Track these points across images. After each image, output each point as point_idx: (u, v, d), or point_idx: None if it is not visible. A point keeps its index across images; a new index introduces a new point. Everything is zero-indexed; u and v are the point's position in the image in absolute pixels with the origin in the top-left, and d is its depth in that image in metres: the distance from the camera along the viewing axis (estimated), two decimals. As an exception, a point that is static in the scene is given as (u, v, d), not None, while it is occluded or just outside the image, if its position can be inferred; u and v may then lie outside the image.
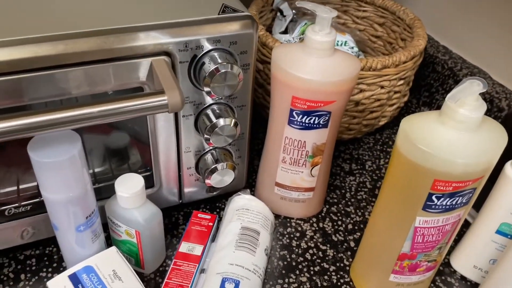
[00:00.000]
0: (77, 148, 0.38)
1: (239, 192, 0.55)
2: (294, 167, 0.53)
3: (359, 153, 0.70)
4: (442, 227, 0.41)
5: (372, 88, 0.62)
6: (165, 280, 0.46)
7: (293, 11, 0.74)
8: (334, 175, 0.66)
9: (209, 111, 0.47)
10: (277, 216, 0.59)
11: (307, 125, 0.49)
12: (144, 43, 0.40)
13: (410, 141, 0.38)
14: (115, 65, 0.40)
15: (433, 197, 0.38)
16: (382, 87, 0.62)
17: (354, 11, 0.79)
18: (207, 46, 0.43)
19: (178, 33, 0.41)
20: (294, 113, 0.48)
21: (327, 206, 0.61)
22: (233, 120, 0.47)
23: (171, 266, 0.47)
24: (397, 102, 0.68)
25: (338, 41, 0.68)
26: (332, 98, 0.47)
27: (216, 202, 0.60)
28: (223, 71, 0.42)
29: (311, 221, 0.59)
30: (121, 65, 0.40)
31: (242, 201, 0.53)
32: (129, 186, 0.44)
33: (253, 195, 0.60)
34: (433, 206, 0.39)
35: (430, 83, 0.78)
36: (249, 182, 0.63)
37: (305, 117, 0.48)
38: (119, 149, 0.52)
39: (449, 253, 0.55)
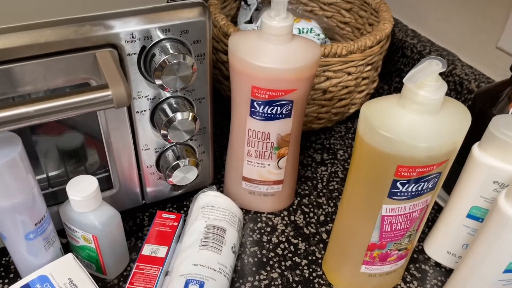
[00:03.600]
0: (17, 151, 0.36)
1: (204, 189, 0.53)
2: (260, 160, 0.51)
3: (330, 142, 0.69)
4: (409, 214, 0.40)
5: (339, 75, 0.60)
6: (127, 285, 0.44)
7: (257, 0, 0.71)
8: (305, 166, 0.64)
9: (165, 106, 0.45)
10: (247, 212, 0.57)
11: (269, 115, 0.47)
12: (85, 35, 0.37)
13: (371, 127, 0.36)
14: (55, 60, 0.37)
15: (398, 184, 0.37)
16: (349, 73, 0.61)
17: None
18: (157, 36, 0.41)
19: (123, 23, 0.39)
20: (255, 103, 0.46)
21: (298, 199, 0.59)
22: (191, 114, 0.45)
23: (133, 270, 0.45)
24: (366, 89, 0.67)
25: (303, 28, 0.67)
26: (293, 86, 0.45)
27: (183, 201, 0.57)
28: (174, 62, 0.40)
29: (282, 215, 0.57)
30: (61, 60, 0.37)
31: (207, 198, 0.51)
32: (81, 189, 0.42)
33: (222, 191, 0.58)
34: (398, 193, 0.38)
35: (400, 68, 0.77)
36: (218, 178, 0.61)
37: (267, 107, 0.46)
38: (74, 151, 0.49)
39: (423, 239, 0.54)
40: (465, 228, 0.47)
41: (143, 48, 0.41)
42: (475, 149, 0.43)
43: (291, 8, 0.76)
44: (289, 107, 0.47)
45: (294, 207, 0.58)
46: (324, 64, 0.58)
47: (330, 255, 0.49)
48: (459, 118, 0.37)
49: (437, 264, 0.52)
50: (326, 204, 0.59)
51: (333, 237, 0.48)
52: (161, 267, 0.45)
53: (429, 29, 0.74)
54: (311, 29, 0.67)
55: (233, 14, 0.74)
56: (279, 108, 0.46)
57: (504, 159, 0.41)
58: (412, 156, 0.35)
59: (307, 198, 0.59)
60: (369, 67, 0.62)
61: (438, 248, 0.51)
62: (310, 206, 0.58)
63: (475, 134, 0.44)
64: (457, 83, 0.67)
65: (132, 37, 0.40)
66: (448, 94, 0.68)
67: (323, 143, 0.68)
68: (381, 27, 0.62)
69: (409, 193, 0.38)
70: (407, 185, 0.37)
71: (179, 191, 0.54)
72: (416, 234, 0.44)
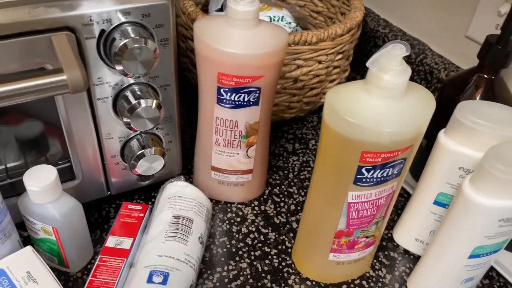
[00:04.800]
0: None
1: (172, 179, 0.52)
2: (229, 149, 0.50)
3: (302, 132, 0.68)
4: (376, 201, 0.39)
5: (310, 63, 0.59)
6: (89, 278, 0.42)
7: (228, -13, 0.70)
8: (277, 156, 0.63)
9: (128, 93, 0.43)
10: (216, 202, 0.56)
11: (237, 103, 0.46)
12: (39, 17, 0.36)
13: (336, 113, 0.35)
14: (7, 43, 0.35)
15: (363, 170, 0.37)
16: (319, 62, 0.60)
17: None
18: (117, 20, 0.39)
19: (80, 5, 0.37)
20: (222, 90, 0.45)
21: (269, 188, 0.59)
22: (155, 101, 0.43)
23: (96, 262, 0.44)
24: (338, 78, 0.66)
25: (274, 17, 0.66)
26: (260, 72, 0.44)
27: (151, 192, 0.56)
28: (135, 46, 0.39)
29: (252, 205, 0.56)
30: (14, 44, 0.35)
31: (174, 188, 0.50)
32: (39, 179, 0.40)
33: (192, 182, 0.57)
34: (364, 180, 0.37)
35: (373, 58, 0.76)
36: (188, 169, 0.59)
37: (234, 94, 0.45)
38: (34, 140, 0.47)
39: (392, 227, 0.54)
40: (432, 215, 0.47)
41: (102, 31, 0.39)
42: (441, 135, 0.43)
43: (264, -3, 0.75)
44: (257, 94, 0.46)
45: (265, 197, 0.57)
46: (294, 52, 0.57)
47: (299, 244, 0.49)
48: (424, 103, 0.36)
49: (406, 252, 0.52)
50: (297, 193, 0.58)
51: (302, 226, 0.48)
52: (125, 259, 0.44)
53: (401, 18, 0.74)
54: (282, 17, 0.66)
55: (203, 2, 0.73)
56: (246, 95, 0.45)
57: (469, 144, 0.41)
58: (376, 141, 0.35)
59: (278, 188, 0.59)
60: (340, 56, 0.62)
61: (406, 235, 0.51)
62: (281, 195, 0.58)
63: (444, 122, 0.44)
64: (427, 72, 0.67)
65: (90, 20, 0.38)
66: (418, 83, 0.69)
67: (295, 133, 0.68)
68: (351, 16, 0.61)
69: (375, 180, 0.37)
70: (372, 171, 0.37)
71: (146, 182, 0.53)
72: (383, 221, 0.43)
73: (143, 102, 0.43)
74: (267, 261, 0.50)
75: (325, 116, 0.37)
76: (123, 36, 0.39)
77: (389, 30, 0.74)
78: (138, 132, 0.48)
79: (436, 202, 0.46)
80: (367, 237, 0.43)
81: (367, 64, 0.34)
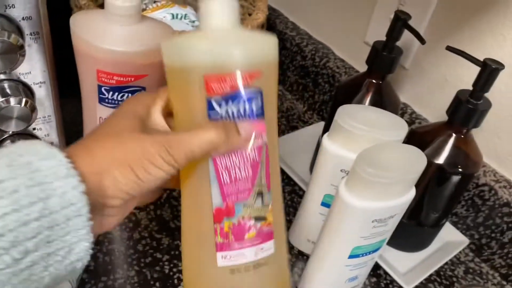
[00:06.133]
0: None
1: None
2: (117, 151, 0.48)
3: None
4: (245, 155, 0.32)
5: (210, 63, 0.58)
6: None
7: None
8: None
9: (-7, 90, 0.40)
10: (109, 207, 0.53)
11: (121, 102, 0.44)
12: None
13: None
14: None
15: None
16: (220, 62, 0.59)
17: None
18: (-26, 9, 0.35)
19: None
20: (103, 89, 0.43)
21: (168, 191, 0.57)
22: (25, 99, 0.40)
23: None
24: (242, 79, 0.66)
25: (177, 14, 0.64)
26: (143, 71, 0.42)
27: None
28: (-6, 39, 0.35)
29: (148, 209, 0.54)
30: None
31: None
32: None
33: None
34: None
35: (282, 60, 0.77)
36: (81, 171, 0.56)
37: (116, 93, 0.43)
38: None
39: (289, 228, 0.54)
40: (321, 216, 0.48)
41: (-45, 22, 0.35)
42: (325, 138, 0.43)
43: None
44: (142, 94, 0.44)
45: (163, 200, 0.56)
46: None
47: (185, 247, 0.36)
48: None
49: (300, 253, 0.53)
50: (196, 196, 0.57)
51: (183, 221, 0.36)
52: None
53: (308, 22, 0.75)
54: (186, 15, 0.64)
55: (104, -4, 0.69)
56: (130, 95, 0.43)
57: (348, 147, 0.42)
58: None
59: (178, 191, 0.57)
60: (242, 57, 0.61)
61: (299, 236, 0.52)
62: (180, 198, 0.56)
63: (326, 127, 0.45)
64: (330, 76, 0.69)
65: None
66: (322, 85, 0.70)
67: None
68: (253, 17, 0.61)
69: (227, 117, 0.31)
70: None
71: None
72: (270, 197, 0.34)
73: (11, 101, 0.39)
74: (157, 268, 0.48)
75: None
76: (-19, 27, 0.35)
77: (297, 33, 0.75)
78: (11, 133, 0.44)
79: (323, 203, 0.47)
80: (256, 219, 0.33)
81: None
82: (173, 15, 0.64)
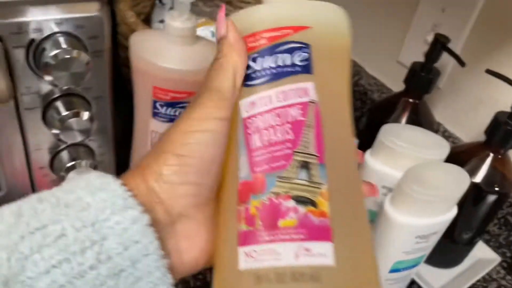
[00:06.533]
0: None
1: (104, 192, 0.50)
2: (164, 162, 0.50)
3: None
4: (283, 111, 0.25)
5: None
6: None
7: (173, -1, 0.70)
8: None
9: (58, 103, 0.42)
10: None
11: (173, 117, 0.46)
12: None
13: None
14: None
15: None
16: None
17: (238, 2, 0.77)
18: (48, 29, 0.38)
19: (9, 12, 0.36)
20: (157, 104, 0.45)
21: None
22: (86, 113, 0.43)
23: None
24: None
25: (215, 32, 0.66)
26: (196, 88, 0.44)
27: (83, 204, 0.54)
28: (66, 57, 0.38)
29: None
30: None
31: (106, 201, 0.49)
32: (-44, 191, 0.38)
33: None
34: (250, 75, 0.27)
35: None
36: (124, 181, 0.58)
37: (170, 109, 0.45)
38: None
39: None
40: (359, 231, 0.49)
41: (31, 41, 0.38)
42: (367, 155, 0.45)
43: (209, 11, 0.76)
44: (193, 109, 0.46)
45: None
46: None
47: (215, 240, 0.27)
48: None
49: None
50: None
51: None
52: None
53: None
54: (225, 33, 0.67)
55: (146, 12, 0.72)
56: (182, 110, 0.46)
57: (390, 165, 0.43)
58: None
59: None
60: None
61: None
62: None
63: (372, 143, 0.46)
64: (362, 93, 0.70)
65: (20, 28, 0.37)
66: (353, 103, 0.72)
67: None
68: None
69: (266, 72, 0.26)
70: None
71: (78, 194, 0.51)
72: (325, 174, 0.24)
73: (73, 114, 0.42)
74: (199, 276, 0.50)
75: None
76: (54, 46, 0.38)
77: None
78: (69, 143, 0.46)
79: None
80: (298, 201, 0.23)
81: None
82: (212, 32, 0.66)
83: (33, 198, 0.22)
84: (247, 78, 0.26)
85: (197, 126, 0.24)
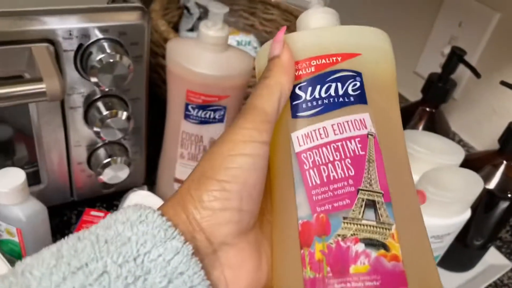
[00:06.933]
0: None
1: (134, 188, 0.54)
2: (193, 162, 0.53)
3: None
4: (342, 145, 0.24)
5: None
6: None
7: (200, 9, 0.74)
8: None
9: (99, 103, 0.46)
10: (177, 213, 0.58)
11: (203, 119, 0.49)
12: (22, 29, 0.38)
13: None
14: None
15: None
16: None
17: (261, 14, 0.81)
18: (95, 35, 0.42)
19: (61, 20, 0.40)
20: (189, 107, 0.48)
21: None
22: (125, 113, 0.46)
23: (57, 265, 0.45)
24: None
25: (242, 41, 0.70)
26: (226, 92, 0.48)
27: (113, 200, 0.58)
28: (111, 61, 0.41)
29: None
30: (-5, 51, 0.37)
31: (137, 197, 0.52)
32: (8, 181, 0.41)
33: (154, 192, 0.59)
34: (299, 105, 0.25)
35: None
36: (151, 180, 0.61)
37: (201, 111, 0.49)
38: (2, 144, 0.48)
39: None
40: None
41: (80, 45, 0.42)
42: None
43: (234, 21, 0.80)
44: (222, 112, 0.49)
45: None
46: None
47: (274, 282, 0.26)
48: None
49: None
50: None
51: (272, 245, 0.27)
52: (86, 263, 0.46)
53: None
54: (249, 42, 0.70)
55: (175, 21, 0.76)
56: (212, 112, 0.49)
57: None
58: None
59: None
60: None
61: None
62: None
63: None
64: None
65: (70, 34, 0.40)
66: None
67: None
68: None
69: (315, 102, 0.25)
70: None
71: (110, 190, 0.55)
72: (392, 212, 0.22)
73: (113, 113, 0.45)
74: None
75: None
76: (99, 51, 0.42)
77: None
78: (106, 141, 0.50)
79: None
80: (368, 244, 0.22)
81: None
82: (238, 41, 0.70)
83: (72, 238, 0.21)
84: (296, 108, 0.25)
85: (239, 150, 0.23)
